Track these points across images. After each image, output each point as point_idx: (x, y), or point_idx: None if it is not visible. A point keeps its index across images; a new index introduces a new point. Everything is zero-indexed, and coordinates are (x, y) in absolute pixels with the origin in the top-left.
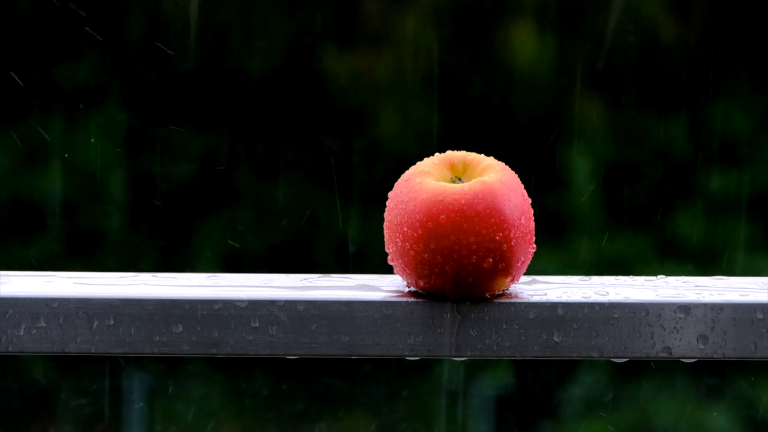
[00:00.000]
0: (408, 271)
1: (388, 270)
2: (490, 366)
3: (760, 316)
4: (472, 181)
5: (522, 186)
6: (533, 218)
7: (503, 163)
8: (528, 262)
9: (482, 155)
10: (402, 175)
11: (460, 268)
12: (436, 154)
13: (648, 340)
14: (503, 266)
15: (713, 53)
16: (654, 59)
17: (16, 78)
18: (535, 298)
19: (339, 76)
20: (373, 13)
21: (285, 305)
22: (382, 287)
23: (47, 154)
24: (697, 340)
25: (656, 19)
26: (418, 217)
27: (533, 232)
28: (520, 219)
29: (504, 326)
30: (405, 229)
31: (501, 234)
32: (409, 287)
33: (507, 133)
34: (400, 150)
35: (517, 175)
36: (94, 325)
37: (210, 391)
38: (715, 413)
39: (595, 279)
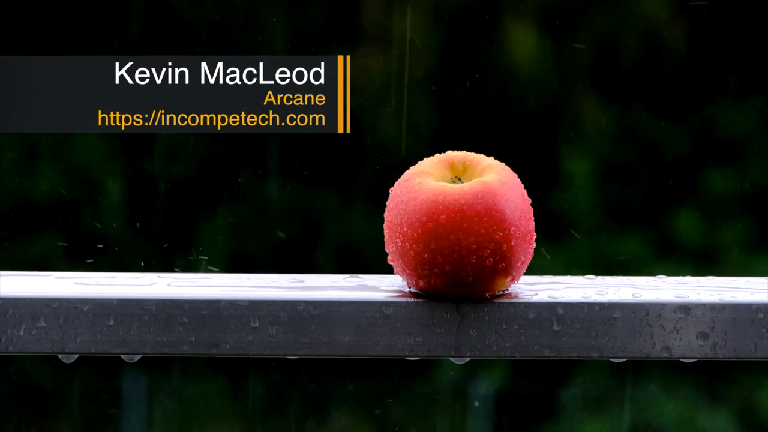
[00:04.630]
0: (408, 271)
1: (388, 270)
2: (490, 366)
3: (760, 316)
4: (472, 181)
5: (522, 186)
6: (533, 218)
7: (503, 163)
8: (528, 262)
9: (482, 155)
10: (402, 175)
11: (460, 268)
12: (436, 154)
13: (648, 340)
14: (503, 266)
15: (713, 53)
16: (654, 59)
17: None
18: (535, 298)
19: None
20: (373, 12)
21: (285, 305)
22: (382, 287)
23: (47, 154)
24: (697, 340)
25: (656, 18)
26: (417, 217)
27: (533, 232)
28: (520, 219)
29: (504, 326)
30: (405, 229)
31: (501, 234)
32: (409, 287)
33: (507, 133)
34: (400, 150)
35: (517, 175)
36: (94, 325)
37: (210, 391)
38: (714, 413)
39: (596, 279)
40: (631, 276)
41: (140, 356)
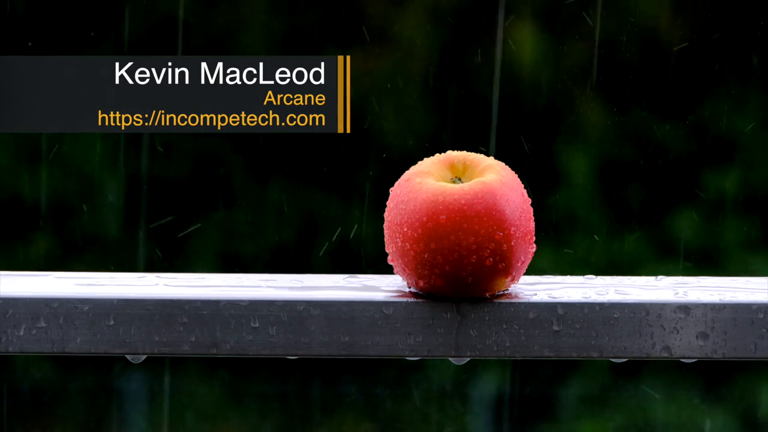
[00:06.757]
0: (408, 271)
1: (389, 270)
2: (489, 366)
3: (760, 316)
4: (472, 181)
5: (522, 186)
6: (533, 218)
7: (503, 163)
8: (528, 262)
9: (482, 155)
10: (402, 175)
11: (460, 268)
12: (436, 154)
13: (648, 340)
14: (503, 266)
15: (712, 53)
16: (654, 59)
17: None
18: (535, 298)
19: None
20: (373, 12)
21: (285, 305)
22: (382, 287)
23: (45, 154)
24: (697, 340)
25: (656, 18)
26: (417, 217)
27: (533, 232)
28: (520, 219)
29: (504, 326)
30: (405, 229)
31: (501, 234)
32: (409, 287)
33: (507, 133)
34: (400, 150)
35: (517, 175)
36: (94, 325)
37: (210, 391)
38: (715, 413)
39: (596, 279)
40: (631, 276)
41: (145, 356)
